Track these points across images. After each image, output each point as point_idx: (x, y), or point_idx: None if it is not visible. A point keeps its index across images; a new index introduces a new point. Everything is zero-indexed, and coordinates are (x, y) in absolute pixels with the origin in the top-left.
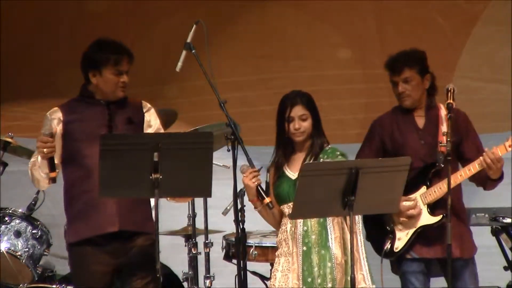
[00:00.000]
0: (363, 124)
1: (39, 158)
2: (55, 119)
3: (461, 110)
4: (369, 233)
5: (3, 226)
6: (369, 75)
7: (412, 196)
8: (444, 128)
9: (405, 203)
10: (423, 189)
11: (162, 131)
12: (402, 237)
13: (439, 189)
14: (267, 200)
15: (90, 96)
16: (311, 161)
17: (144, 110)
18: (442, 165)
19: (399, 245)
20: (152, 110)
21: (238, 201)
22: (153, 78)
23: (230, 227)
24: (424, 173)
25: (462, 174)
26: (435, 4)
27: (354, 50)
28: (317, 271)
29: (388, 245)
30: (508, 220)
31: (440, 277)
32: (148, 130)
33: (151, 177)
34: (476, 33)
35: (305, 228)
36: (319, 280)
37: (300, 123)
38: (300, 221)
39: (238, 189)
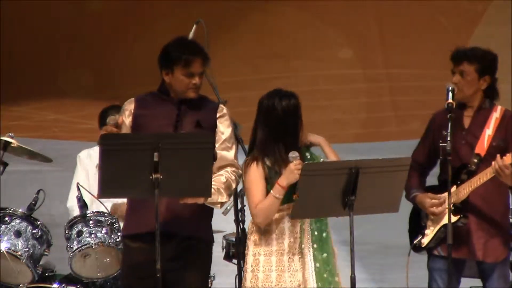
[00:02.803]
0: (364, 123)
1: None
2: (127, 110)
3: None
4: (409, 227)
5: (3, 226)
6: (370, 74)
7: (443, 195)
8: (489, 131)
9: (433, 200)
10: (453, 188)
11: (232, 140)
12: (428, 234)
13: (463, 190)
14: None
15: (166, 92)
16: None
17: (218, 115)
18: (474, 167)
19: (425, 241)
20: (226, 117)
21: (238, 201)
22: (153, 78)
23: (230, 227)
24: (458, 172)
25: (480, 178)
26: (437, 4)
27: (355, 50)
28: (327, 266)
29: (417, 240)
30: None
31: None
32: (220, 139)
33: (151, 177)
34: (478, 33)
35: (312, 226)
36: (330, 278)
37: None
38: (308, 221)
39: (238, 189)
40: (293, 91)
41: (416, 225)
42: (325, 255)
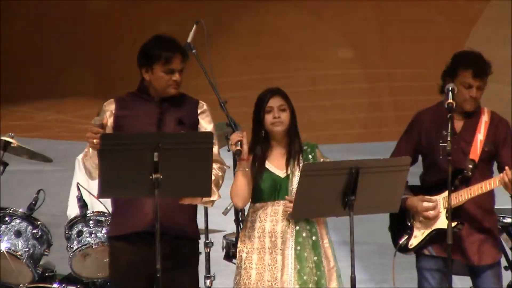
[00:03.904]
0: (365, 123)
1: (90, 149)
2: (108, 111)
3: (503, 118)
4: (391, 224)
5: (3, 226)
6: (370, 74)
7: (434, 197)
8: (480, 136)
9: (425, 204)
10: (447, 193)
11: (215, 136)
12: (418, 236)
13: (460, 197)
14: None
15: (145, 91)
16: (296, 162)
17: (199, 112)
18: (470, 173)
19: (413, 242)
20: (207, 113)
21: None
22: None
23: (230, 227)
24: (451, 177)
25: (483, 187)
26: (435, 4)
27: (355, 50)
28: (310, 268)
29: (404, 240)
30: (508, 220)
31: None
32: None
33: (151, 177)
34: (475, 33)
35: (298, 227)
36: (313, 277)
37: (279, 113)
38: (292, 221)
39: None
40: (275, 87)
41: (401, 223)
42: (315, 258)
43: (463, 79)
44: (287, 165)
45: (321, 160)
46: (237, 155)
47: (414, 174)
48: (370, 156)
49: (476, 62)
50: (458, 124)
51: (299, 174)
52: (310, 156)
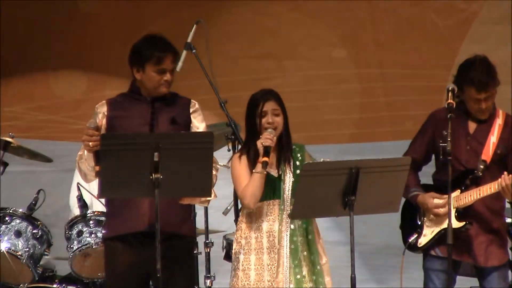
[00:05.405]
0: (358, 124)
1: (86, 151)
2: (100, 113)
3: None
4: (402, 222)
5: (3, 226)
6: (364, 74)
7: (445, 196)
8: (493, 138)
9: (435, 201)
10: (457, 192)
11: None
12: (427, 234)
13: (470, 196)
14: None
15: (137, 91)
16: (287, 162)
17: (191, 111)
18: (481, 174)
19: (422, 241)
20: (199, 112)
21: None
22: None
23: (230, 227)
24: (462, 177)
25: (491, 188)
26: (431, 4)
27: (348, 50)
28: (309, 267)
29: (413, 239)
30: (508, 220)
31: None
32: None
33: (151, 177)
34: (472, 32)
35: (292, 226)
36: (306, 277)
37: (273, 118)
38: (286, 220)
39: None
40: (269, 89)
41: (411, 221)
42: (312, 257)
43: (469, 94)
44: (278, 165)
45: (309, 160)
46: (263, 167)
47: (427, 174)
48: (364, 157)
49: (479, 77)
50: (472, 126)
51: (290, 173)
52: (298, 155)
